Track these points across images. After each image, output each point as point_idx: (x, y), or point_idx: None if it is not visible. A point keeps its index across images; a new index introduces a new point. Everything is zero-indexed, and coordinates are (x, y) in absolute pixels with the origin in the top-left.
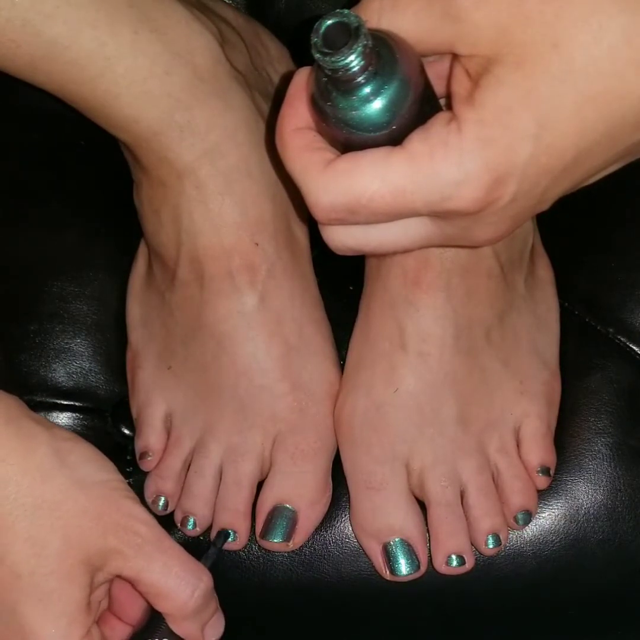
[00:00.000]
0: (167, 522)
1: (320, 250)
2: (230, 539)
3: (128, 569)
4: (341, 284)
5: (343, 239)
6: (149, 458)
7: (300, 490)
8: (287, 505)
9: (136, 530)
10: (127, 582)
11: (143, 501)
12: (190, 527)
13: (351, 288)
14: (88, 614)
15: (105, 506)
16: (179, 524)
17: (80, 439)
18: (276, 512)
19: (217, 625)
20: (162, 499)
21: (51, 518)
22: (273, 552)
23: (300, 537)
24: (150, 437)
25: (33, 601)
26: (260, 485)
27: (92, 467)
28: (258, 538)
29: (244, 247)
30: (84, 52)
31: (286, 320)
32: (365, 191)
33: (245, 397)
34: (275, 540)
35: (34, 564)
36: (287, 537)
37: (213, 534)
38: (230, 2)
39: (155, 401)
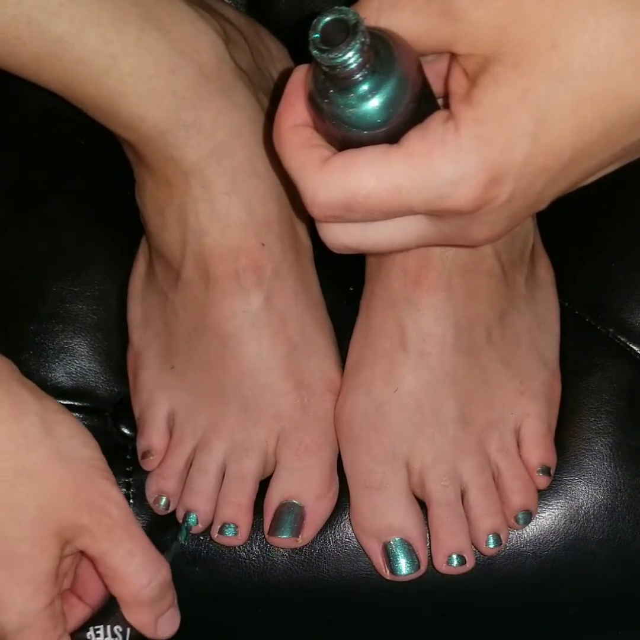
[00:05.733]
0: (167, 520)
1: (320, 251)
2: (229, 533)
3: (93, 548)
4: (341, 285)
5: (340, 236)
6: (151, 458)
7: (307, 485)
8: (294, 501)
9: (109, 512)
10: (89, 560)
11: (144, 501)
12: (191, 523)
13: (351, 289)
14: (54, 584)
15: (83, 482)
16: (180, 521)
17: (68, 412)
18: (283, 508)
19: (172, 620)
20: (164, 498)
21: (30, 486)
22: (282, 548)
23: (309, 531)
24: (153, 437)
25: (2, 564)
26: (262, 484)
27: (77, 442)
28: (266, 535)
29: (250, 247)
30: (88, 50)
31: (290, 320)
32: (361, 189)
33: (249, 395)
34: (283, 536)
35: (8, 528)
36: (296, 532)
37: (179, 515)
38: (231, 2)
39: (158, 401)
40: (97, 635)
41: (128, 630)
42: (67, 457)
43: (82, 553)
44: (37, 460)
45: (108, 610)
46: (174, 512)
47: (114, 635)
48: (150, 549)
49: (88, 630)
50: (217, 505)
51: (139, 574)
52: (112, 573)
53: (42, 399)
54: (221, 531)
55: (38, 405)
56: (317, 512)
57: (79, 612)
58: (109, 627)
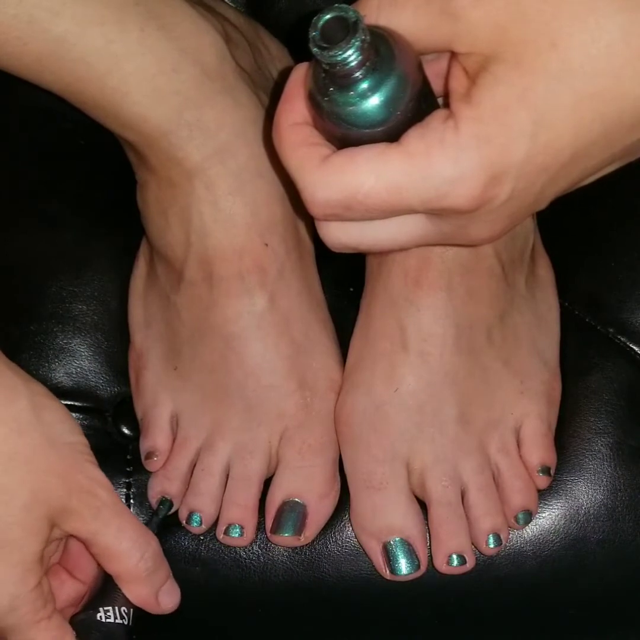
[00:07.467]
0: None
1: (320, 251)
2: (235, 534)
3: (84, 531)
4: (341, 285)
5: (339, 235)
6: (155, 459)
7: (309, 484)
8: (297, 500)
9: (96, 494)
10: (82, 543)
11: (144, 501)
12: (195, 524)
13: (351, 289)
14: (42, 566)
15: (71, 467)
16: (183, 521)
17: (54, 397)
18: (286, 506)
19: (172, 593)
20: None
21: (22, 471)
22: (283, 548)
23: (311, 530)
24: (157, 438)
25: None
26: (265, 483)
27: (64, 427)
28: (269, 534)
29: (254, 248)
30: (91, 50)
31: (294, 320)
32: (361, 187)
33: (252, 396)
34: (286, 534)
35: (1, 512)
36: (298, 530)
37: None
38: (231, 2)
39: (162, 402)
40: (108, 617)
41: (131, 610)
42: (56, 442)
43: (73, 537)
44: (28, 444)
45: (113, 591)
46: (174, 512)
47: (122, 617)
48: (137, 525)
49: (98, 611)
50: (222, 506)
51: (131, 549)
52: (106, 552)
53: (29, 382)
54: (227, 532)
55: (27, 389)
56: (319, 511)
57: (70, 588)
58: (116, 608)
